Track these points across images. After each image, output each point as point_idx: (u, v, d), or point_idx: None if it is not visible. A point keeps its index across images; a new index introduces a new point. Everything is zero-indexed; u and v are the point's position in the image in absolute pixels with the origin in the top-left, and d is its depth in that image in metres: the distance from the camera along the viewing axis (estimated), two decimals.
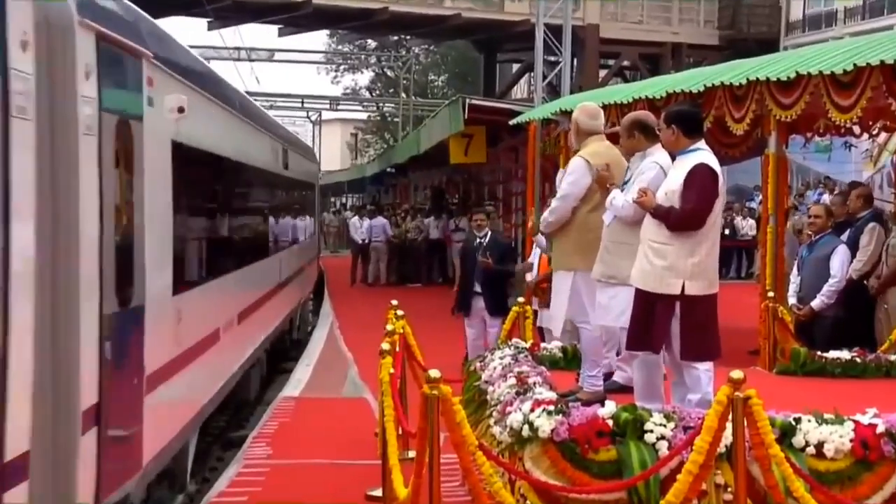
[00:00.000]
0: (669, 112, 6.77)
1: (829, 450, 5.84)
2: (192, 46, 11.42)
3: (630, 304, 6.71)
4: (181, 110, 7.78)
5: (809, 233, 10.68)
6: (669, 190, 6.44)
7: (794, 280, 10.38)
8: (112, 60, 6.36)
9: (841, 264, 10.02)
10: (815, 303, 10.01)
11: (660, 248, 6.41)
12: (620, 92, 13.55)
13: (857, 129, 12.18)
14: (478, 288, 11.83)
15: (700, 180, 6.36)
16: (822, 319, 10.04)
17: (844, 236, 10.58)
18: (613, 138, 7.55)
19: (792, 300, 10.21)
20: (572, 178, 7.27)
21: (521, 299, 10.16)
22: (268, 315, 14.34)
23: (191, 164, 8.75)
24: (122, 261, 6.48)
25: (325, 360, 15.50)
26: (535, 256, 11.78)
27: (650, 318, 6.43)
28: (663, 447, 5.80)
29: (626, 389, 7.10)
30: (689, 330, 6.37)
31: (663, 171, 6.73)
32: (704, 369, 6.45)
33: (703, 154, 6.50)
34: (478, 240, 12.07)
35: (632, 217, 6.79)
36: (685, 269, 6.33)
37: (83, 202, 5.63)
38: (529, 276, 11.86)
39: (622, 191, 6.94)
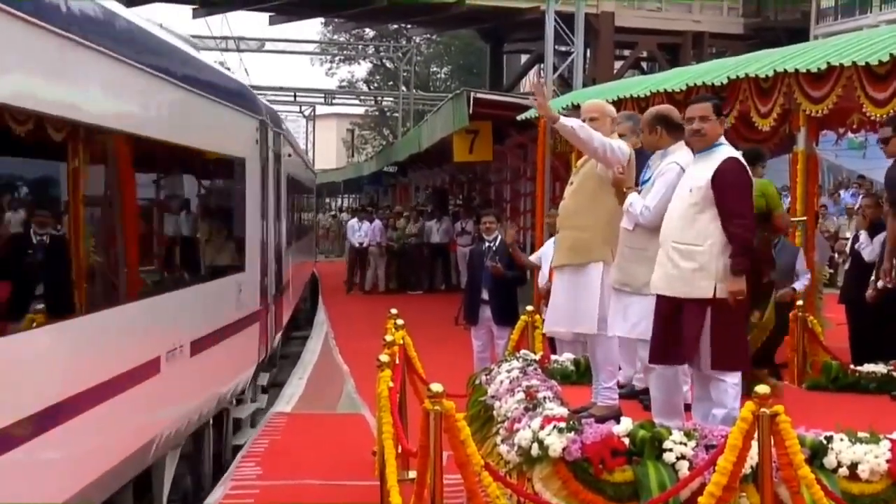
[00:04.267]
0: (717, 104, 6.75)
1: (863, 471, 5.82)
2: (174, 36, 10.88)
3: (645, 315, 6.71)
4: None
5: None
6: (694, 186, 6.46)
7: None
8: None
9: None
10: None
11: (687, 250, 6.42)
12: (637, 85, 13.56)
13: None
14: (485, 296, 11.84)
15: (734, 176, 6.41)
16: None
17: (878, 240, 10.61)
18: None
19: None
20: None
21: (529, 308, 10.16)
22: None
23: None
24: None
25: (319, 374, 15.51)
26: (544, 259, 11.74)
27: (677, 327, 6.43)
28: (683, 467, 5.78)
29: (646, 391, 7.11)
30: (721, 337, 6.37)
31: (684, 172, 6.75)
32: (733, 383, 6.45)
33: (729, 148, 6.59)
34: (486, 244, 12.08)
35: (651, 223, 6.80)
36: (717, 271, 6.35)
37: None
38: (541, 283, 11.86)
39: (640, 192, 6.98)
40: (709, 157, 6.53)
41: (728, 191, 6.38)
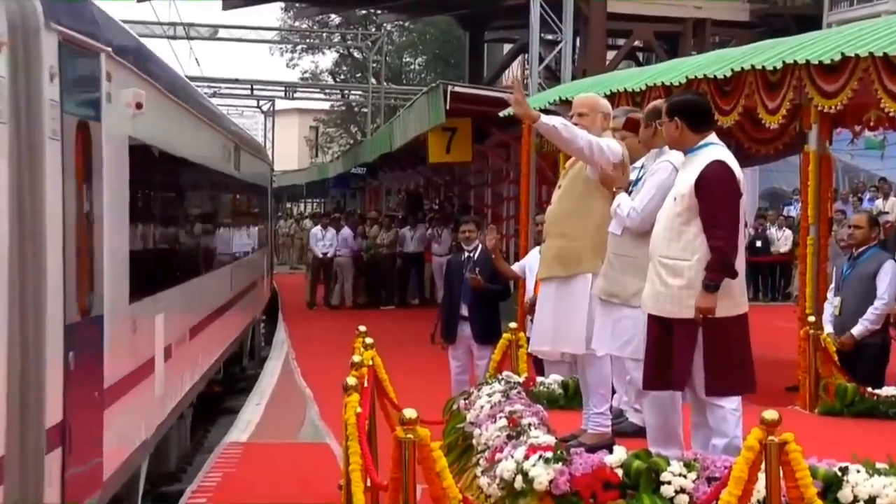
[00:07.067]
0: (671, 103, 6.80)
1: None
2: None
3: (637, 330, 6.72)
4: None
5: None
6: (679, 194, 6.48)
7: (833, 302, 10.39)
8: None
9: (890, 283, 10.03)
10: (857, 329, 10.02)
11: (674, 265, 6.43)
12: (632, 78, 13.60)
13: None
14: (465, 311, 11.83)
15: (716, 182, 6.41)
16: (866, 348, 10.05)
17: None
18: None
19: (828, 328, 10.16)
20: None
21: (513, 324, 10.16)
22: None
23: None
24: None
25: (278, 398, 15.46)
26: (529, 270, 11.75)
27: (669, 349, 6.44)
28: (683, 502, 5.80)
29: (641, 432, 7.11)
30: (715, 359, 6.38)
31: (677, 172, 6.77)
32: (732, 408, 6.47)
33: (715, 150, 6.56)
34: (466, 254, 12.07)
35: (638, 227, 6.82)
36: None
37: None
38: (526, 297, 11.87)
39: (630, 193, 7.00)
40: (693, 160, 6.55)
41: (707, 199, 6.38)
